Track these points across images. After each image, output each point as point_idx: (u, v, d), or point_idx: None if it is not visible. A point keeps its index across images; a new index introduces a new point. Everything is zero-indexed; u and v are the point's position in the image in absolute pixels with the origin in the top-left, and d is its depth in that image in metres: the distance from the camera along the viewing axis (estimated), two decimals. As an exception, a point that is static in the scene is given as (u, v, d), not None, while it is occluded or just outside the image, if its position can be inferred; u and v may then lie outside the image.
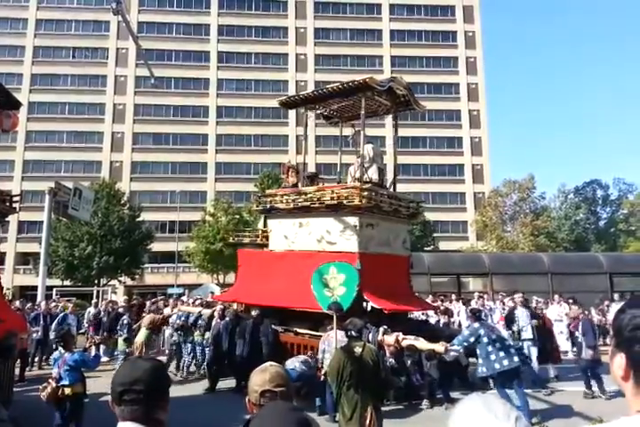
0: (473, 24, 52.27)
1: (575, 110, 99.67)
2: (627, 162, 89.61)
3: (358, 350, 4.97)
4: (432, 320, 11.21)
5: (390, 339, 7.51)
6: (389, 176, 10.91)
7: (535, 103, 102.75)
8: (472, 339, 7.13)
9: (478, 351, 7.20)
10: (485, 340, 7.09)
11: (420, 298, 11.19)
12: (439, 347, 7.12)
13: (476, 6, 52.70)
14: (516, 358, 7.03)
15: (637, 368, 1.05)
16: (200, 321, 10.49)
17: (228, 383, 9.55)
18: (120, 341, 11.11)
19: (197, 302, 13.05)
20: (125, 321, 11.28)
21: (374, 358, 5.02)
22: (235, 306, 10.61)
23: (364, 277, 8.11)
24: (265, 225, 10.83)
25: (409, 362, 8.06)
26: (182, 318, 10.88)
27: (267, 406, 1.71)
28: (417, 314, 12.13)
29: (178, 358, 11.15)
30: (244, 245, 11.17)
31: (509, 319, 10.13)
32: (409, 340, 7.42)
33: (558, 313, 13.68)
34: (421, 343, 7.35)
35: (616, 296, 15.16)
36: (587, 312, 10.43)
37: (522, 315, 9.97)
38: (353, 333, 5.26)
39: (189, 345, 10.73)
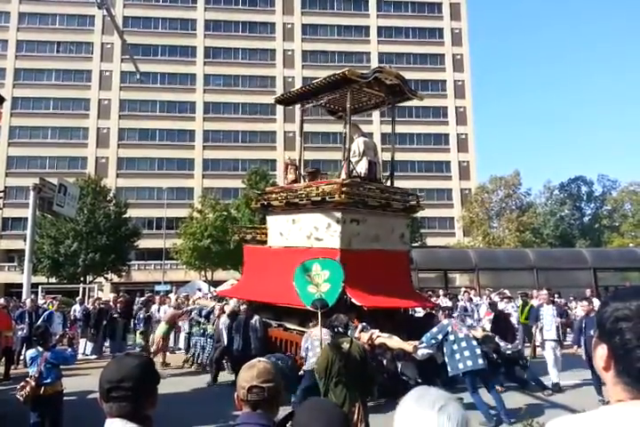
0: (460, 21, 52.47)
1: (561, 107, 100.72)
2: (611, 159, 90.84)
3: (346, 345, 4.99)
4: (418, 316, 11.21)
5: (366, 336, 7.46)
6: (384, 170, 10.75)
7: (521, 100, 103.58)
8: (440, 336, 7.00)
9: (444, 349, 7.03)
10: (452, 338, 6.94)
11: (420, 294, 10.76)
12: (407, 346, 7.04)
13: (463, 3, 52.90)
14: (480, 360, 6.79)
15: (617, 359, 1.09)
16: (212, 316, 10.85)
17: (229, 377, 9.66)
18: (137, 334, 11.49)
19: (209, 295, 13.49)
20: (142, 315, 11.64)
21: (362, 354, 5.04)
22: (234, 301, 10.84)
23: (346, 273, 8.10)
24: (264, 222, 11.05)
25: (385, 360, 7.99)
26: (195, 312, 11.27)
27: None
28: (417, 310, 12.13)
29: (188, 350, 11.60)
30: (248, 241, 11.33)
31: (535, 318, 9.51)
32: (382, 338, 7.34)
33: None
34: (393, 342, 7.27)
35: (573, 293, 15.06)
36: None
37: (547, 313, 9.24)
38: (340, 329, 5.27)
39: (202, 338, 11.04)
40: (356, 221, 8.97)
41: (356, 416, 4.72)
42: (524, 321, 11.68)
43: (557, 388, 8.59)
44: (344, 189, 8.58)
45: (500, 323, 10.23)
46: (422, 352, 6.99)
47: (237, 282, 11.91)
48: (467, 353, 6.80)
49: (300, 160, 10.92)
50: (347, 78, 8.84)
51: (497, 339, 8.30)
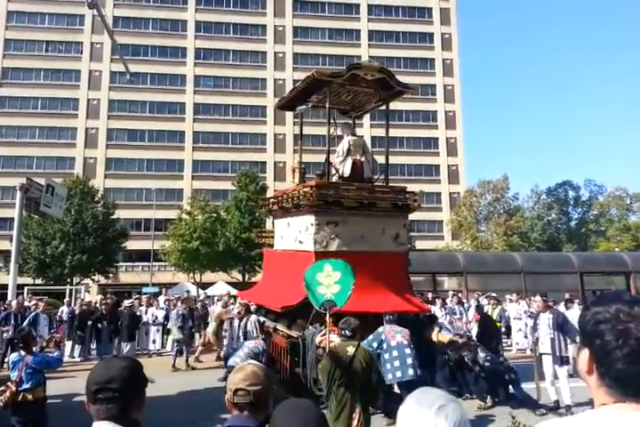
0: (449, 26, 52.86)
1: (550, 112, 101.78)
2: (597, 164, 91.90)
3: (351, 349, 4.90)
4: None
5: (318, 339, 7.44)
6: (374, 168, 10.52)
7: (510, 105, 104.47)
8: (375, 344, 6.70)
9: (380, 358, 6.70)
10: (385, 347, 6.61)
11: (413, 297, 9.83)
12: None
13: (453, 9, 53.31)
14: (410, 371, 6.41)
15: (599, 362, 1.12)
16: None
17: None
18: (174, 329, 12.23)
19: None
20: (180, 311, 12.58)
21: (367, 360, 4.94)
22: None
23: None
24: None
25: None
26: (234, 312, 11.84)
27: (287, 403, 1.74)
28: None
29: None
30: (264, 244, 11.82)
31: (534, 329, 8.31)
32: (333, 342, 7.30)
33: (517, 311, 13.95)
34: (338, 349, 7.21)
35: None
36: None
37: (543, 323, 7.92)
38: (347, 332, 5.18)
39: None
40: (333, 223, 8.76)
41: (355, 422, 4.63)
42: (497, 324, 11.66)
43: (556, 406, 7.65)
44: (313, 190, 8.54)
45: (487, 326, 10.22)
46: None
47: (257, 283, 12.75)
48: (397, 363, 6.46)
49: (300, 163, 10.96)
50: (315, 79, 8.81)
51: (480, 349, 7.86)
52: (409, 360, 6.52)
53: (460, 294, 15.48)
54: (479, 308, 11.72)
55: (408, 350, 6.62)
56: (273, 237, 11.10)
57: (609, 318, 1.11)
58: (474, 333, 12.19)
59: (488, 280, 19.67)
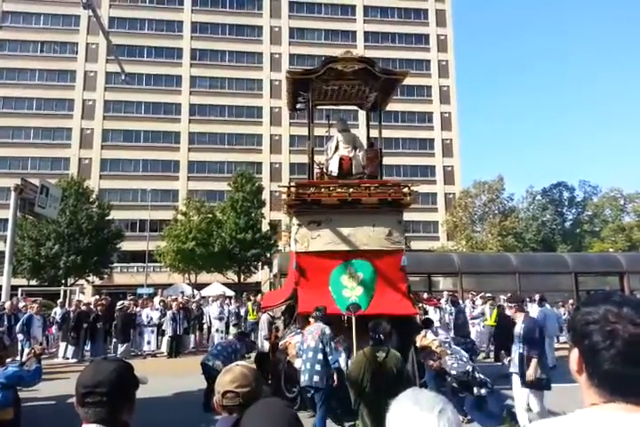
0: (445, 28, 53.01)
1: (545, 113, 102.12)
2: (592, 165, 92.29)
3: (381, 355, 4.69)
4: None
5: (281, 342, 7.67)
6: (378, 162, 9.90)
7: (506, 107, 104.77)
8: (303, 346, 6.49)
9: None
10: (302, 348, 6.38)
11: (404, 298, 8.73)
12: (290, 356, 6.88)
13: (449, 10, 53.46)
14: (316, 378, 6.03)
15: (588, 362, 1.12)
16: None
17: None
18: (232, 327, 13.56)
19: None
20: (233, 310, 14.41)
21: (399, 366, 4.72)
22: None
23: (303, 277, 8.02)
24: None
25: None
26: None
27: (258, 403, 1.71)
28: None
29: None
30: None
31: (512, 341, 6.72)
32: (291, 345, 7.22)
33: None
34: (291, 350, 7.08)
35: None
36: None
37: (516, 333, 6.37)
38: (380, 337, 4.95)
39: None
40: (315, 223, 8.51)
41: None
42: (492, 323, 11.45)
43: None
44: (290, 191, 8.52)
45: (506, 327, 9.65)
46: (298, 363, 6.56)
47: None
48: (306, 366, 6.16)
49: (310, 164, 10.44)
50: (292, 79, 8.77)
51: (448, 358, 7.10)
52: (317, 366, 6.11)
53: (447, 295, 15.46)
54: (500, 307, 11.40)
55: (311, 354, 6.19)
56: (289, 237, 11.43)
57: (597, 318, 1.12)
58: (472, 331, 12.22)
59: (483, 281, 19.69)
